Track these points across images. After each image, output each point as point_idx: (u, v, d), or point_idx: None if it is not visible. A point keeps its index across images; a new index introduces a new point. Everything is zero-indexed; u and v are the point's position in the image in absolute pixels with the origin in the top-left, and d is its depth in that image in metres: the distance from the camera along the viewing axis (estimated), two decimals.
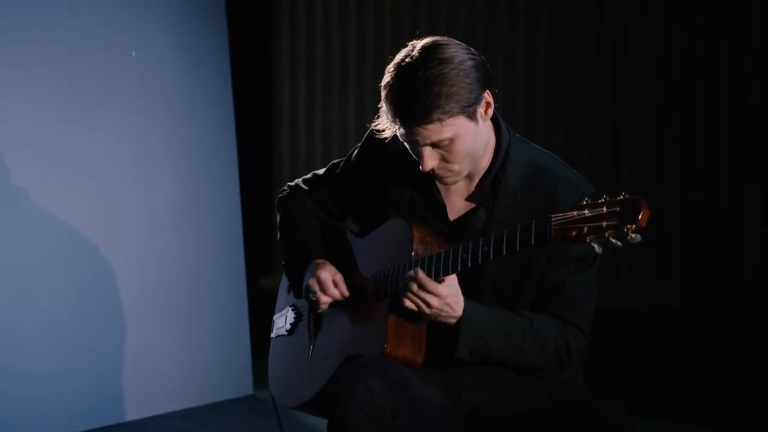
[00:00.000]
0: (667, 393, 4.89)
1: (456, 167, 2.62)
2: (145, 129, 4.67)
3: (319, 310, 2.85)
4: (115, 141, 4.56)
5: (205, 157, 4.92)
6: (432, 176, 2.69)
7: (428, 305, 2.56)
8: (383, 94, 2.59)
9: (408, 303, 2.57)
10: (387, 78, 2.59)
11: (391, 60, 2.62)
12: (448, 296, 2.56)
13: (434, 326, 2.65)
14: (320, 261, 2.87)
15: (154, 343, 4.67)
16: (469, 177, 2.71)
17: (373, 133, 2.82)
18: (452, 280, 2.57)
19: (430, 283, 2.54)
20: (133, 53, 4.63)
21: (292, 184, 3.06)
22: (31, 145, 4.30)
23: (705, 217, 5.30)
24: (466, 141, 2.59)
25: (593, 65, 5.52)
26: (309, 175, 3.04)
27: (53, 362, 4.32)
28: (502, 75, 5.59)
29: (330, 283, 2.80)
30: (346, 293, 2.81)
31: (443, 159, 2.61)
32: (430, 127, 2.54)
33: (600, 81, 5.52)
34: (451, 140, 2.57)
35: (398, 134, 2.62)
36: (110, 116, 4.54)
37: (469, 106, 2.56)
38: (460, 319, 2.60)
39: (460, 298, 2.59)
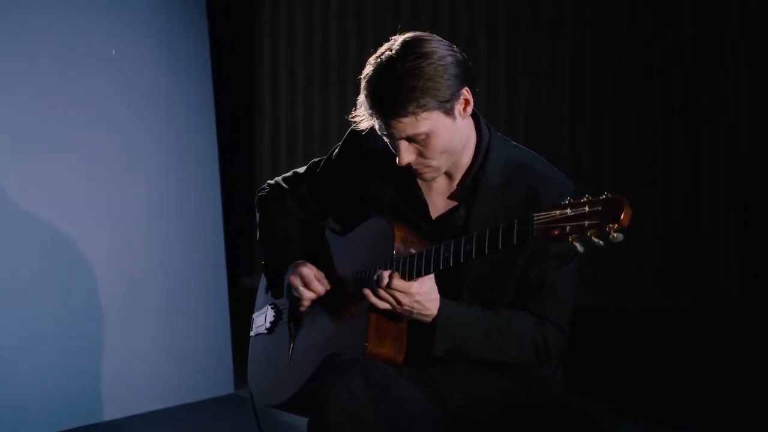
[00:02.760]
0: (649, 393, 4.91)
1: (433, 163, 2.62)
2: (125, 128, 4.66)
3: (302, 308, 2.84)
4: (95, 140, 4.54)
5: (186, 156, 4.90)
6: (412, 174, 2.68)
7: (399, 302, 2.56)
8: (362, 85, 2.60)
9: (378, 302, 2.57)
10: (366, 70, 2.60)
11: (373, 53, 2.63)
12: (417, 293, 2.56)
13: (415, 325, 2.65)
14: (300, 261, 2.85)
15: (134, 342, 4.65)
16: (450, 175, 2.72)
17: (354, 132, 2.82)
18: (426, 278, 2.57)
19: (398, 281, 2.55)
20: (113, 51, 4.61)
21: (272, 182, 3.04)
22: (10, 145, 4.28)
23: (691, 219, 5.32)
24: (443, 137, 2.59)
25: (580, 69, 5.54)
26: (289, 174, 3.02)
27: (30, 361, 4.30)
28: (485, 79, 5.60)
29: (312, 278, 2.79)
30: (328, 287, 2.80)
31: (420, 154, 2.60)
32: (405, 120, 2.54)
33: (585, 86, 5.54)
34: (427, 135, 2.57)
35: (376, 127, 2.63)
36: (90, 116, 4.52)
37: (445, 101, 2.56)
38: (436, 318, 2.60)
39: (435, 296, 2.59)
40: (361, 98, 2.61)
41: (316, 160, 2.97)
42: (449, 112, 2.58)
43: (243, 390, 4.85)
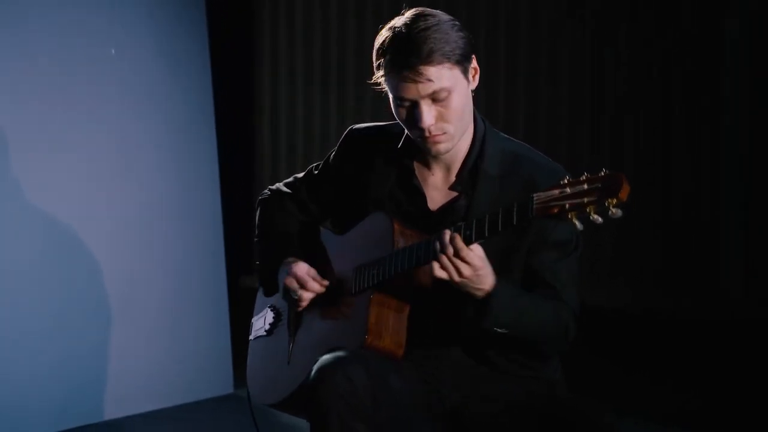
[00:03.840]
0: (649, 393, 4.91)
1: (450, 128, 2.63)
2: (124, 128, 4.66)
3: (300, 308, 2.84)
4: (95, 140, 4.55)
5: (185, 156, 4.90)
6: (411, 168, 2.72)
7: (459, 273, 2.50)
8: (380, 51, 2.63)
9: (439, 270, 2.50)
10: (384, 35, 2.63)
11: (382, 28, 2.66)
12: (481, 267, 2.51)
13: (415, 320, 2.65)
14: (291, 259, 2.87)
15: (134, 341, 4.65)
16: (447, 168, 2.73)
17: (352, 131, 2.87)
18: (482, 251, 2.53)
19: (465, 251, 2.49)
20: (113, 51, 4.61)
21: (274, 187, 3.07)
22: (9, 145, 4.28)
23: (691, 219, 5.31)
24: (461, 98, 2.62)
25: (580, 69, 5.54)
26: (290, 179, 3.05)
27: (30, 361, 4.30)
28: (485, 79, 5.58)
29: (308, 278, 2.80)
30: (325, 283, 2.81)
31: (440, 117, 2.62)
32: (431, 70, 2.56)
33: (585, 86, 5.53)
34: (449, 92, 2.59)
35: (394, 96, 2.64)
36: (90, 116, 4.53)
37: (464, 59, 2.62)
38: (491, 293, 2.55)
39: (490, 270, 2.55)
40: (381, 61, 2.63)
41: (314, 164, 3.00)
42: (466, 73, 2.63)
43: (242, 390, 4.83)
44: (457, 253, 2.49)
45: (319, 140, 6.27)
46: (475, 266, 2.50)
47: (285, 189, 3.02)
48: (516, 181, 2.67)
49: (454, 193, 2.73)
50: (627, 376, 5.10)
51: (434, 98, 2.60)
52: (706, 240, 5.29)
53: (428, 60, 2.56)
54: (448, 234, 2.50)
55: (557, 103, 5.60)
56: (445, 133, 2.64)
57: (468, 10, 5.78)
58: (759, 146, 5.14)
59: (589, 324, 3.01)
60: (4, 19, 4.27)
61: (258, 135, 6.51)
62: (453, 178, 2.73)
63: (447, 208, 2.73)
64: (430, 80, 2.57)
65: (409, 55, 2.57)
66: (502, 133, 2.79)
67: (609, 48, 5.47)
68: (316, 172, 2.96)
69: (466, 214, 2.68)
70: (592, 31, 5.52)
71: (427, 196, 2.75)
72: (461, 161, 2.72)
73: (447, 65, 2.58)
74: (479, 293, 2.55)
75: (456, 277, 2.51)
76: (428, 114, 2.61)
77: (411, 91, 2.60)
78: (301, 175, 3.02)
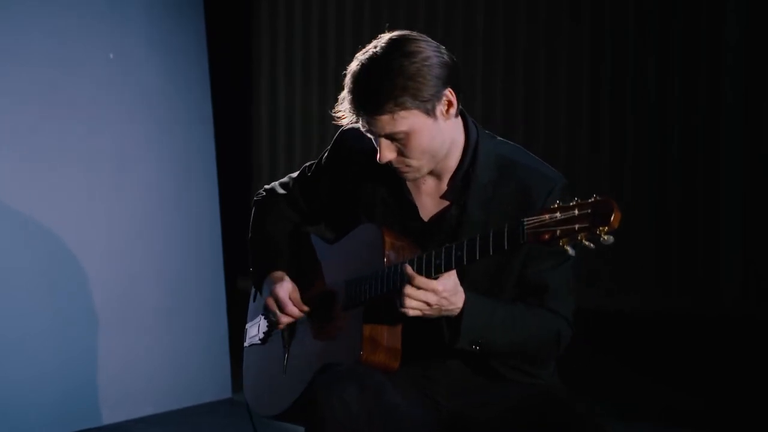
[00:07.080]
0: (650, 393, 4.90)
1: (414, 163, 2.62)
2: (123, 130, 4.66)
3: (279, 328, 2.84)
4: (93, 143, 4.54)
5: (183, 157, 4.90)
6: (399, 174, 2.68)
7: (427, 303, 2.50)
8: (346, 80, 2.61)
9: (408, 310, 2.50)
10: (351, 65, 2.61)
11: (361, 49, 2.63)
12: (443, 290, 2.50)
13: (409, 329, 2.63)
14: (278, 275, 2.85)
15: (132, 345, 4.64)
16: (438, 176, 2.71)
17: (343, 133, 2.84)
18: (447, 275, 2.51)
19: (421, 280, 2.49)
20: (111, 55, 4.61)
21: (269, 187, 3.05)
22: (8, 148, 4.27)
23: (690, 219, 5.31)
24: (423, 137, 2.58)
25: (579, 69, 5.54)
26: (285, 179, 3.03)
27: (28, 365, 4.30)
28: (483, 79, 5.58)
29: (288, 302, 2.79)
30: (305, 308, 2.80)
31: (400, 153, 2.61)
32: (384, 118, 2.55)
33: (584, 86, 5.53)
34: (407, 134, 2.57)
35: (359, 124, 2.63)
36: (88, 118, 4.53)
37: (426, 101, 2.55)
38: (462, 312, 2.55)
39: (459, 289, 2.54)
40: (344, 94, 2.61)
41: (308, 163, 2.97)
42: (430, 113, 2.58)
43: (240, 394, 4.82)
44: (415, 286, 2.48)
45: (318, 141, 6.26)
46: (436, 290, 2.50)
47: (280, 190, 3.00)
48: (509, 187, 2.66)
49: (446, 202, 2.71)
50: (627, 376, 5.09)
51: (391, 138, 2.58)
52: (705, 239, 5.29)
53: (376, 111, 2.54)
54: (405, 271, 2.50)
55: (556, 103, 5.59)
56: (408, 166, 2.62)
57: (466, 9, 5.78)
58: (758, 146, 5.14)
59: (590, 324, 3.01)
60: (2, 22, 4.27)
61: (256, 136, 6.51)
62: (445, 186, 2.71)
63: (439, 217, 2.70)
64: (382, 127, 2.56)
65: (363, 102, 2.56)
66: (497, 137, 2.76)
67: (608, 48, 5.47)
68: (309, 173, 2.94)
69: (458, 224, 2.66)
70: (591, 31, 5.51)
71: (419, 204, 2.73)
72: (453, 170, 2.70)
73: (401, 112, 2.54)
74: (455, 312, 2.56)
75: (426, 310, 2.51)
76: (387, 150, 2.60)
77: (368, 127, 2.60)
78: (295, 174, 3.00)
